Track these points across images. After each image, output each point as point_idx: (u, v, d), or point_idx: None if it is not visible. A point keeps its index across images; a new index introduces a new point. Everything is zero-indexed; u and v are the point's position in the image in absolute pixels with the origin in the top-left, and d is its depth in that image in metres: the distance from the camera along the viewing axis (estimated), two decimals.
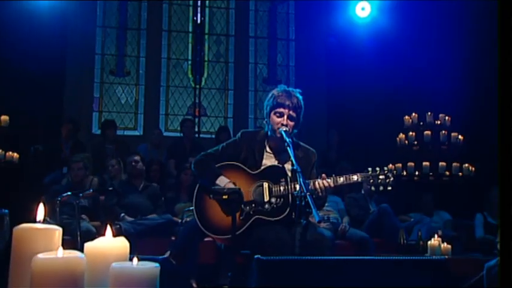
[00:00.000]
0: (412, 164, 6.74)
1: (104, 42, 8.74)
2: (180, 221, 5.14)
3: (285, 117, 3.02)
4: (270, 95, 3.13)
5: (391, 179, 3.05)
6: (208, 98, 9.17)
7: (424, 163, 6.70)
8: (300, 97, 3.10)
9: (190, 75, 9.14)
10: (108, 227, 1.24)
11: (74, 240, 4.41)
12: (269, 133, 3.12)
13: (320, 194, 2.93)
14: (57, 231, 1.16)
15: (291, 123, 3.03)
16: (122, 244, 1.20)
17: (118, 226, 4.93)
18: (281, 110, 3.02)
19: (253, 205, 3.01)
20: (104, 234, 1.22)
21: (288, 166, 3.06)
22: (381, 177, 3.05)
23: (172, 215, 5.48)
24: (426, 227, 5.91)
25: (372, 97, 8.20)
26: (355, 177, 3.01)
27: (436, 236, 4.93)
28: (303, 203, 2.51)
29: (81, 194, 4.75)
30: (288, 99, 3.03)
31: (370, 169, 3.07)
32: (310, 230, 2.70)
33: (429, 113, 6.97)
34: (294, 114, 3.03)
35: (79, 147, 6.86)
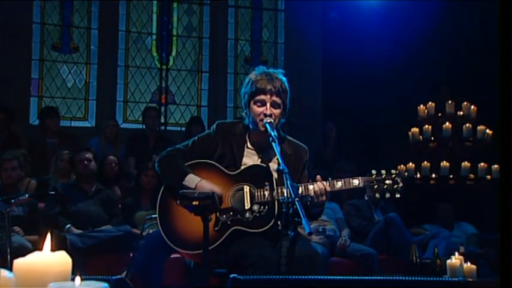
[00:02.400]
0: (428, 164, 6.84)
1: (44, 9, 8.66)
2: (140, 233, 5.14)
3: (268, 105, 3.04)
4: (246, 80, 3.16)
5: (400, 184, 3.08)
6: (177, 82, 9.17)
7: (442, 163, 6.81)
8: (284, 79, 3.12)
9: (154, 53, 9.12)
10: (48, 237, 1.23)
11: (3, 258, 4.38)
12: (251, 126, 3.14)
13: (315, 200, 2.97)
14: None
15: (276, 112, 3.05)
16: (62, 260, 1.20)
17: (62, 236, 4.93)
18: (261, 97, 3.05)
19: (231, 213, 3.03)
20: (41, 249, 1.21)
21: (273, 166, 3.09)
22: (387, 181, 3.07)
23: (131, 226, 5.48)
24: (445, 242, 6.00)
25: (378, 83, 8.29)
26: (356, 182, 3.04)
27: (457, 253, 5.00)
28: (291, 211, 2.54)
29: (13, 200, 4.67)
30: (269, 82, 3.05)
31: (374, 172, 3.10)
32: (299, 244, 2.74)
33: (450, 102, 7.06)
34: (278, 100, 3.06)
35: (12, 142, 6.80)
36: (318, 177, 3.01)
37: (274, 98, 3.05)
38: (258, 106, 3.06)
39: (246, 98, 3.12)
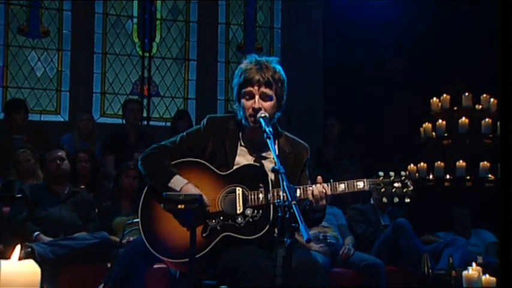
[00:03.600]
0: (442, 164, 6.86)
1: None
2: (119, 240, 5.15)
3: (256, 98, 3.06)
4: (237, 70, 3.18)
5: (411, 188, 3.09)
6: (161, 72, 9.18)
7: (458, 163, 6.83)
8: (278, 67, 3.13)
9: (136, 39, 9.12)
10: (18, 247, 1.25)
11: None
12: (243, 121, 3.16)
13: (314, 204, 2.99)
14: None
15: (267, 105, 3.07)
16: (30, 270, 1.21)
17: (29, 249, 4.91)
18: (249, 88, 3.07)
19: (221, 218, 3.05)
20: (8, 258, 1.23)
21: (269, 165, 3.10)
22: (396, 184, 3.09)
23: (109, 233, 5.48)
24: (460, 251, 6.02)
25: (386, 74, 8.32)
26: (360, 184, 3.06)
27: (474, 264, 5.01)
28: (288, 216, 2.56)
29: None
30: (258, 72, 3.06)
31: (381, 173, 3.12)
32: (297, 253, 2.75)
33: (466, 94, 7.07)
34: (268, 92, 3.07)
35: None
36: (319, 178, 3.03)
37: (263, 89, 3.06)
38: (247, 99, 3.09)
39: (235, 91, 3.16)
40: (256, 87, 3.06)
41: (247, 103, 3.08)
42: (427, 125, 7.13)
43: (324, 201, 3.01)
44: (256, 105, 3.05)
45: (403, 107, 7.99)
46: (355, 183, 3.06)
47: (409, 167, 6.84)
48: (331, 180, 3.06)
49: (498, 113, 7.08)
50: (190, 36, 9.30)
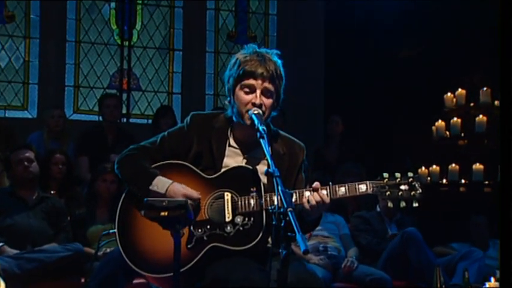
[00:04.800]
0: (456, 167, 6.89)
1: None
2: (94, 252, 5.15)
3: (258, 92, 3.07)
4: (233, 60, 3.18)
5: (419, 191, 3.10)
6: (143, 63, 9.18)
7: (475, 166, 6.86)
8: (279, 61, 3.15)
9: (114, 26, 9.11)
10: None
11: None
12: (234, 118, 3.17)
13: (310, 210, 3.00)
14: None
15: (267, 102, 3.09)
16: None
17: None
18: (251, 81, 3.08)
19: (208, 227, 3.06)
20: None
21: (262, 168, 3.12)
22: (402, 187, 3.10)
23: (82, 244, 5.48)
24: (477, 264, 6.05)
25: (394, 65, 8.33)
26: (363, 188, 3.08)
27: (492, 279, 5.06)
28: (283, 224, 2.58)
29: None
30: (262, 65, 3.08)
31: (386, 175, 3.13)
32: (293, 266, 2.76)
33: (485, 89, 7.11)
34: (271, 88, 3.09)
35: None
36: (316, 184, 3.03)
37: (266, 84, 3.08)
38: (246, 93, 3.09)
39: (231, 82, 3.14)
40: (259, 81, 3.08)
41: (247, 97, 3.09)
42: (440, 124, 7.16)
43: (321, 208, 3.02)
44: (258, 101, 3.06)
45: (414, 103, 8.01)
46: (357, 186, 3.07)
47: (420, 170, 6.86)
48: (330, 184, 3.07)
49: None
50: (175, 23, 9.32)
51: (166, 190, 3.06)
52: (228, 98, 3.18)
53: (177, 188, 3.07)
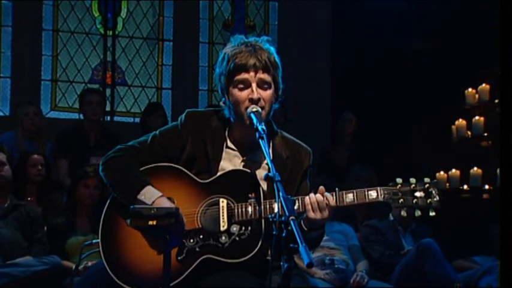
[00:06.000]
0: (479, 171, 6.88)
1: None
2: (75, 266, 5.17)
3: (253, 86, 3.09)
4: (221, 56, 3.20)
5: (436, 198, 3.10)
6: (129, 55, 9.18)
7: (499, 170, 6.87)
8: (272, 48, 3.17)
9: (96, 13, 9.11)
10: None
11: None
12: (232, 119, 3.20)
13: (311, 215, 3.00)
14: None
15: (266, 94, 3.11)
16: None
17: None
18: (244, 75, 3.10)
19: (201, 237, 3.07)
20: None
21: (261, 172, 3.14)
22: (417, 194, 3.11)
23: (61, 257, 5.49)
24: None
25: (408, 58, 8.33)
26: (373, 194, 3.09)
27: None
28: (284, 234, 2.60)
29: None
30: (252, 55, 3.10)
31: (399, 180, 3.14)
32: (296, 281, 2.79)
33: None
34: (266, 78, 3.11)
35: None
36: (321, 188, 3.05)
37: (260, 75, 3.10)
38: (240, 89, 3.11)
39: (222, 81, 3.17)
40: (252, 73, 3.09)
41: (242, 94, 3.10)
42: (461, 123, 7.15)
43: (325, 214, 3.02)
44: (255, 95, 3.08)
45: (430, 99, 8.01)
46: (366, 193, 3.08)
47: (437, 174, 6.86)
48: (337, 189, 3.08)
49: None
50: (165, 11, 9.31)
51: (153, 203, 3.05)
52: (223, 99, 3.21)
53: (164, 203, 3.07)
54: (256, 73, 3.10)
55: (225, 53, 3.17)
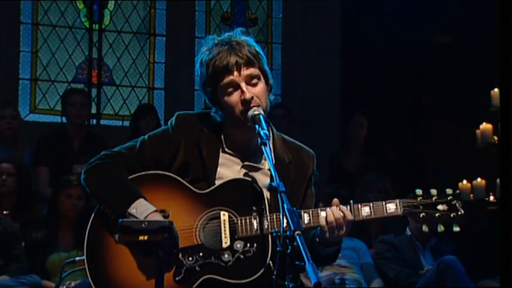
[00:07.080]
0: None
1: None
2: (56, 286, 5.17)
3: (242, 86, 3.09)
4: (197, 64, 3.21)
5: (461, 212, 3.11)
6: (117, 51, 9.19)
7: None
8: (249, 39, 3.18)
9: (80, 6, 9.12)
10: None
11: None
12: (230, 123, 3.20)
13: (328, 234, 3.01)
14: None
15: (258, 90, 3.12)
16: None
17: None
18: (229, 78, 3.10)
19: (201, 254, 3.06)
20: None
21: (264, 180, 3.14)
22: (440, 207, 3.12)
23: (41, 276, 5.51)
24: None
25: (426, 56, 8.34)
26: (392, 207, 3.10)
27: None
28: (289, 250, 2.60)
29: None
30: (231, 52, 3.10)
31: (419, 191, 3.15)
32: None
33: None
34: (253, 72, 3.12)
35: None
36: (335, 200, 3.06)
37: (245, 71, 3.11)
38: (230, 93, 3.12)
39: (208, 91, 3.18)
40: (236, 73, 3.10)
41: (233, 98, 3.11)
42: (486, 127, 7.16)
43: (342, 231, 3.02)
44: (247, 96, 3.08)
45: (452, 101, 8.02)
46: (384, 206, 3.09)
47: (460, 184, 6.86)
48: (351, 202, 3.08)
49: None
50: (157, 3, 9.33)
51: (146, 218, 3.03)
52: (214, 109, 3.22)
53: (158, 217, 3.06)
54: (240, 71, 3.10)
55: (201, 60, 3.18)
